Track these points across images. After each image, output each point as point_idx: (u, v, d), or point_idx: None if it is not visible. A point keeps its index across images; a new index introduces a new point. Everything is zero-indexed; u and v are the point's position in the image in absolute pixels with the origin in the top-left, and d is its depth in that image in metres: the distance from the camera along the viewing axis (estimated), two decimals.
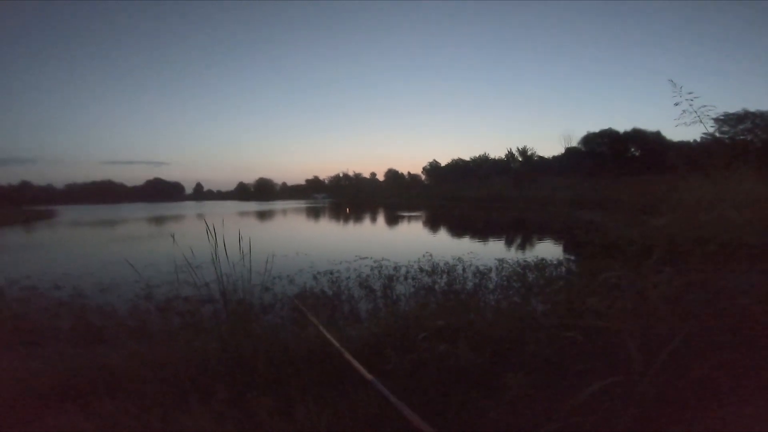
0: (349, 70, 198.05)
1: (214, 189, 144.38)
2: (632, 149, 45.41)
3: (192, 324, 4.51)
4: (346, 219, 32.08)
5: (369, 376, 1.41)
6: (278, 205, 65.08)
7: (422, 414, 1.83)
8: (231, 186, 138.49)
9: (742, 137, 25.29)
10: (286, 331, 3.62)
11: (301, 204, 66.21)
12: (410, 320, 3.05)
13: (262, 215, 38.02)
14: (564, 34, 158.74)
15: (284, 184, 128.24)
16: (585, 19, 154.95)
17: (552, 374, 2.04)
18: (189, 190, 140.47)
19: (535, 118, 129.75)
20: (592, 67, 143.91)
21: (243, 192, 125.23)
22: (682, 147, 32.76)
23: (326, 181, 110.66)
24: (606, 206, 24.32)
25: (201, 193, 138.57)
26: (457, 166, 75.97)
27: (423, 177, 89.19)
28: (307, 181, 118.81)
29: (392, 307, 4.93)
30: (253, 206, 59.24)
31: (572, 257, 9.60)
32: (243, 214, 38.80)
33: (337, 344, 1.62)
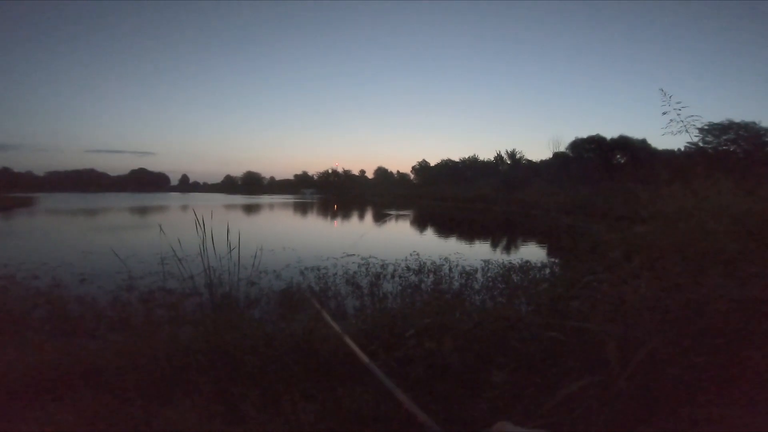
0: (341, 66, 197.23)
1: (201, 181, 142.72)
2: (618, 156, 46.24)
3: (176, 317, 4.45)
4: (334, 215, 31.99)
5: (365, 359, 1.44)
6: (266, 199, 64.50)
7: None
8: (218, 178, 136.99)
9: (725, 147, 25.92)
10: (272, 326, 3.62)
11: (289, 199, 65.75)
12: (398, 318, 3.08)
13: (250, 209, 37.65)
14: (555, 40, 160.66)
15: (272, 178, 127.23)
16: (576, 26, 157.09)
17: (535, 373, 2.09)
18: (174, 181, 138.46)
19: (524, 123, 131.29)
20: (582, 73, 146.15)
21: (230, 185, 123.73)
22: (667, 155, 33.47)
23: (315, 177, 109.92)
24: (590, 212, 24.78)
25: (187, 185, 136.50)
26: (446, 166, 76.27)
27: (412, 176, 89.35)
28: (296, 176, 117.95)
29: (379, 305, 4.95)
30: (240, 200, 58.61)
31: (556, 260, 9.77)
32: (230, 207, 38.36)
33: (337, 328, 1.65)
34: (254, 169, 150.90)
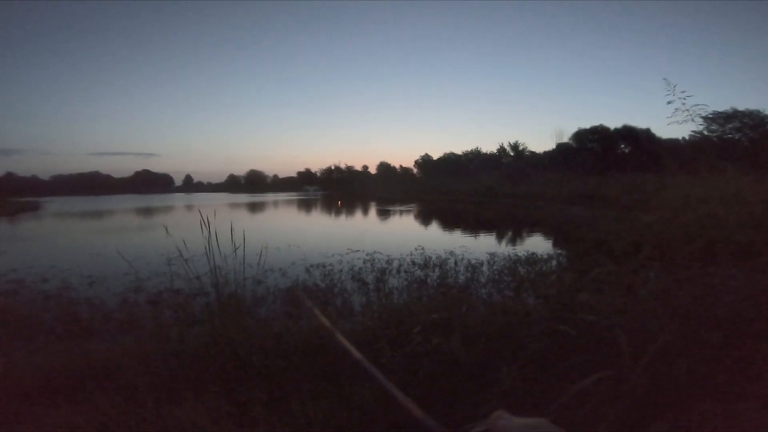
0: (342, 62, 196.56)
1: (204, 181, 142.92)
2: (622, 146, 45.84)
3: (183, 317, 4.48)
4: (338, 212, 32.02)
5: (358, 355, 1.41)
6: (269, 197, 64.70)
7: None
8: (221, 178, 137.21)
9: (730, 136, 25.62)
10: (279, 325, 3.62)
11: (293, 196, 65.92)
12: (404, 314, 3.07)
13: (254, 207, 37.75)
14: (557, 31, 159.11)
15: (275, 176, 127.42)
16: (578, 17, 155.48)
17: (544, 367, 2.07)
18: (178, 182, 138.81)
19: (527, 114, 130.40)
20: (584, 64, 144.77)
21: (233, 184, 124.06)
22: (672, 144, 33.08)
23: (318, 174, 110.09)
24: (596, 202, 24.59)
25: (191, 185, 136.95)
26: (449, 160, 75.98)
27: (415, 170, 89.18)
28: (299, 173, 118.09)
29: (385, 301, 4.95)
30: (244, 198, 58.81)
31: (562, 252, 9.71)
32: (234, 206, 38.47)
33: (329, 325, 1.61)
34: (257, 167, 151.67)
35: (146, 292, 6.92)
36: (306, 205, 40.54)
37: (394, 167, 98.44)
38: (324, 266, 8.64)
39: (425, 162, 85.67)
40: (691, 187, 4.14)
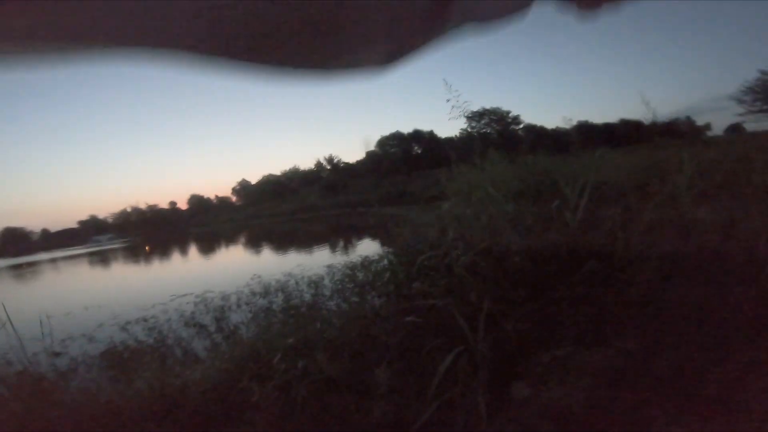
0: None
1: None
2: (416, 147, 53.64)
3: None
4: (147, 258, 27.47)
5: None
6: (42, 257, 50.44)
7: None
8: None
9: (484, 130, 33.34)
10: (111, 390, 2.97)
11: (79, 250, 53.12)
12: (258, 345, 2.93)
13: (18, 275, 28.88)
14: None
15: (45, 230, 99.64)
16: None
17: (410, 360, 2.29)
18: None
19: (337, 126, 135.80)
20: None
21: None
22: (449, 142, 40.57)
23: (110, 220, 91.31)
24: (404, 200, 28.01)
25: None
26: (269, 182, 74.28)
27: (234, 198, 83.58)
28: (81, 222, 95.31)
29: (233, 338, 4.59)
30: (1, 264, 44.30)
31: (390, 249, 10.72)
32: None
33: None
34: (14, 224, 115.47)
35: None
36: (100, 260, 33.28)
37: (208, 198, 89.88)
38: (146, 320, 7.31)
39: (243, 188, 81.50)
40: (469, 175, 5.21)
